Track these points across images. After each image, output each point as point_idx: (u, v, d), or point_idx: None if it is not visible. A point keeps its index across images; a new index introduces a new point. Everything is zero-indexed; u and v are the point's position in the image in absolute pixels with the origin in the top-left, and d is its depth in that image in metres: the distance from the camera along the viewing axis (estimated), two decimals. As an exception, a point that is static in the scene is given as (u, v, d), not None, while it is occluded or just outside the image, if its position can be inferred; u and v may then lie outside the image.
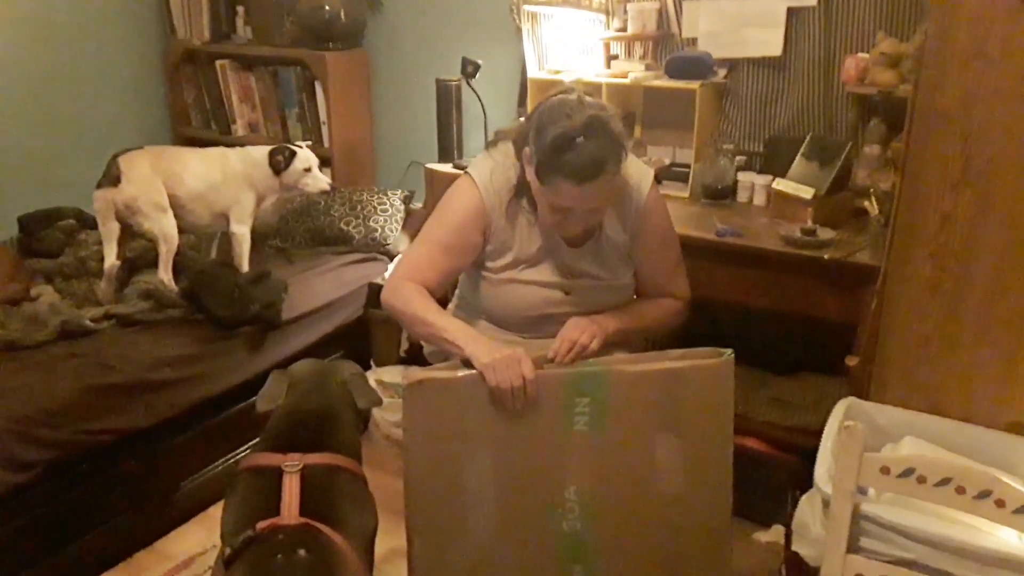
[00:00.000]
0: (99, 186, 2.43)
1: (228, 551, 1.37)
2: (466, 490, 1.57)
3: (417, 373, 1.54)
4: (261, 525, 1.39)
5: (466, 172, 1.75)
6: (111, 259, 2.44)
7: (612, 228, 1.75)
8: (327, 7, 3.10)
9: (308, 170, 2.62)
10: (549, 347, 1.62)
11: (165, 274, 2.47)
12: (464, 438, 1.55)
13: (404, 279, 1.69)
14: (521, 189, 1.70)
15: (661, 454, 1.58)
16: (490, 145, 1.81)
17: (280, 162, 2.59)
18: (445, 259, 1.71)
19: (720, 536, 1.66)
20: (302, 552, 1.35)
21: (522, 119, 2.78)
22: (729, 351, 1.58)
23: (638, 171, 1.76)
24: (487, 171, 1.72)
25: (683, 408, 1.57)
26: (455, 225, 1.71)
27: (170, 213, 2.49)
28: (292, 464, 1.51)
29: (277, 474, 1.49)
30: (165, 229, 2.47)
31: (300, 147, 2.67)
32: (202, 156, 2.63)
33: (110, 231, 2.45)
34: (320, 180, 2.65)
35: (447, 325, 1.62)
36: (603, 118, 1.54)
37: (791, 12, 2.41)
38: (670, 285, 1.81)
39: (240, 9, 3.44)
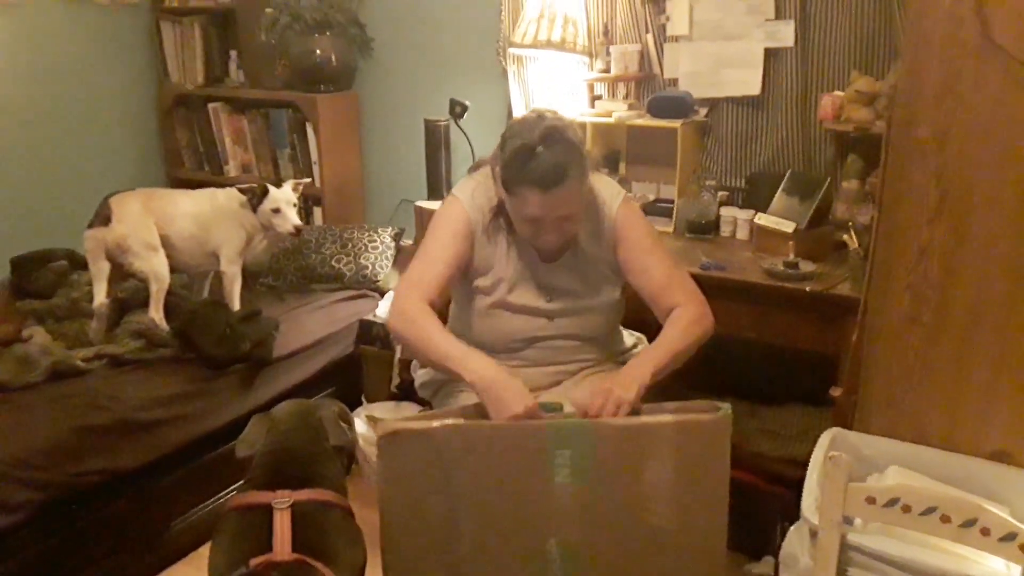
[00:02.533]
0: (90, 226, 2.46)
1: None
2: (444, 542, 1.53)
3: (391, 424, 1.50)
4: (255, 562, 1.39)
5: (451, 194, 1.84)
6: (100, 297, 2.45)
7: (588, 243, 1.80)
8: (318, 51, 3.16)
9: (277, 211, 2.57)
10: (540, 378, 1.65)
11: (156, 313, 2.48)
12: (441, 490, 1.50)
13: (408, 299, 1.70)
14: (500, 208, 1.76)
15: (652, 506, 1.53)
16: (471, 170, 1.89)
17: (251, 200, 2.59)
18: (442, 269, 1.74)
19: None
20: None
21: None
22: (727, 406, 1.52)
23: (608, 187, 1.83)
24: (469, 190, 1.80)
25: (677, 462, 1.51)
26: (446, 236, 1.76)
27: (161, 252, 2.51)
28: (282, 501, 1.51)
29: (267, 511, 1.50)
30: (156, 268, 2.49)
31: (274, 187, 2.62)
32: (192, 196, 2.65)
33: (100, 270, 2.46)
34: (288, 221, 2.58)
35: (451, 348, 1.61)
36: (559, 127, 1.64)
37: (769, 53, 2.48)
38: (671, 294, 1.74)
39: (233, 53, 3.50)
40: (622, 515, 1.54)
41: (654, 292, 1.75)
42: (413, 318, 1.66)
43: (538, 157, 1.60)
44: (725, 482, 1.54)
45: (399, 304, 1.71)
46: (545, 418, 1.52)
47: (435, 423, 1.49)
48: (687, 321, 1.68)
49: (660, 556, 1.56)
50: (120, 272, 2.52)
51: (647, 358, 1.62)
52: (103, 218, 2.45)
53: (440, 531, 1.53)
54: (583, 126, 2.62)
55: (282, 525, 1.47)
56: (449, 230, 1.76)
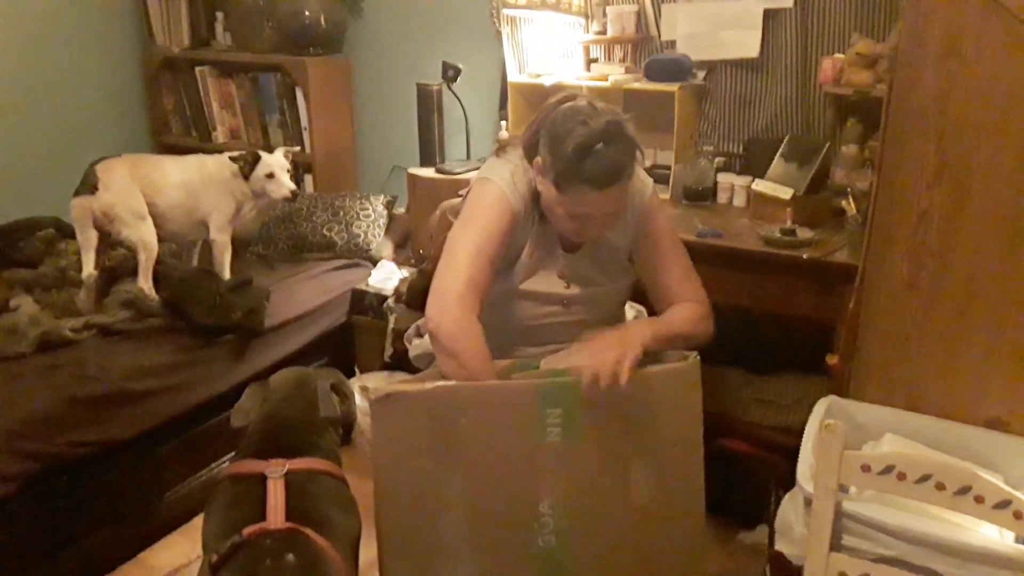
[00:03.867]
0: (76, 194, 2.42)
1: (215, 557, 1.36)
2: (438, 506, 1.53)
3: (384, 387, 1.49)
4: (248, 530, 1.39)
5: (485, 178, 1.67)
6: (89, 268, 2.42)
7: (612, 232, 1.72)
8: (307, 13, 3.10)
9: (271, 176, 2.56)
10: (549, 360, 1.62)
11: (145, 283, 2.45)
12: (434, 453, 1.50)
13: (464, 307, 1.53)
14: (535, 197, 1.66)
15: (634, 462, 1.56)
16: (498, 151, 1.75)
17: (243, 168, 2.56)
18: (490, 270, 1.60)
19: (694, 541, 1.65)
20: (290, 557, 1.35)
21: (505, 125, 2.80)
22: (695, 354, 1.57)
23: (640, 176, 1.73)
24: (508, 174, 1.65)
25: (653, 413, 1.55)
26: (495, 232, 1.60)
27: (149, 221, 2.47)
28: (276, 469, 1.50)
29: (260, 480, 1.49)
30: (144, 237, 2.45)
31: (266, 153, 2.61)
32: (180, 163, 2.61)
33: (88, 239, 2.43)
34: (283, 186, 2.57)
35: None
36: (620, 122, 1.53)
37: (768, 14, 2.43)
38: (686, 289, 1.70)
39: (219, 15, 3.43)
40: (608, 473, 1.56)
41: (671, 284, 1.71)
42: (461, 349, 1.51)
43: (597, 154, 1.50)
44: (698, 425, 1.58)
45: (454, 313, 1.52)
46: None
47: (428, 384, 1.49)
48: (696, 317, 1.66)
49: (644, 514, 1.58)
50: (107, 241, 2.48)
51: (650, 322, 1.59)
52: (90, 186, 2.41)
53: (434, 494, 1.53)
54: (579, 89, 2.56)
55: (276, 494, 1.47)
56: (497, 225, 1.61)
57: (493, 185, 1.64)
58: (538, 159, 1.59)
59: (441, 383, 1.49)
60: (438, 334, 1.53)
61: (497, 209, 1.62)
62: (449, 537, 1.55)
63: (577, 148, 1.50)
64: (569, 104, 1.58)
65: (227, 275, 2.61)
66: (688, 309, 1.67)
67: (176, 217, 2.56)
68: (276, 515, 1.43)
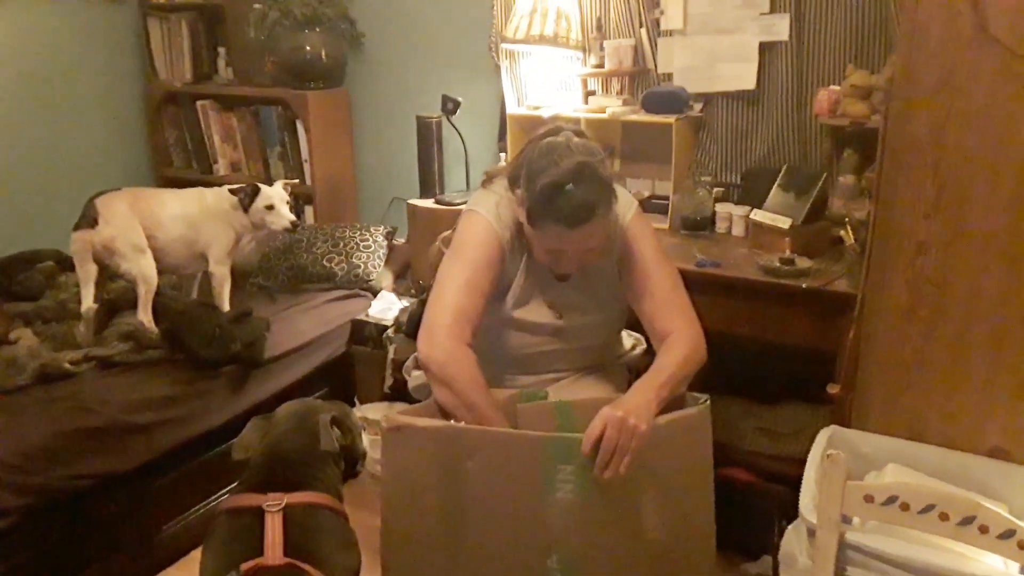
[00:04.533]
0: (77, 227, 2.43)
1: None
2: (444, 544, 1.50)
3: (398, 418, 1.48)
4: (246, 566, 1.37)
5: (471, 210, 1.71)
6: (88, 301, 2.42)
7: (598, 257, 1.72)
8: (308, 47, 3.13)
9: (271, 207, 2.57)
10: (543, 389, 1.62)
11: (144, 316, 2.45)
12: (441, 490, 1.48)
13: (453, 337, 1.55)
14: (520, 227, 1.67)
15: (646, 509, 1.53)
16: (485, 183, 1.78)
17: (243, 200, 2.58)
18: (480, 301, 1.62)
19: None
20: None
21: (504, 157, 2.82)
22: (705, 398, 1.55)
23: (622, 199, 1.73)
24: (493, 205, 1.68)
25: (665, 461, 1.51)
26: (481, 261, 1.63)
27: (148, 254, 2.48)
28: (273, 503, 1.49)
29: (259, 514, 1.48)
30: (144, 270, 2.46)
31: (265, 185, 2.63)
32: (179, 196, 2.63)
33: (88, 273, 2.43)
34: (283, 218, 2.58)
35: (481, 415, 1.52)
36: (592, 164, 1.54)
37: (764, 47, 2.46)
38: (669, 316, 1.67)
39: (221, 50, 3.47)
40: (619, 526, 1.52)
41: (652, 312, 1.69)
42: (452, 376, 1.53)
43: (567, 195, 1.52)
44: (709, 470, 1.56)
45: (443, 343, 1.55)
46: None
47: (438, 422, 1.48)
48: (688, 350, 1.61)
49: (655, 560, 1.55)
50: (107, 274, 2.49)
51: (652, 385, 1.53)
52: (90, 220, 2.42)
53: (442, 532, 1.51)
54: (577, 122, 2.59)
55: (273, 528, 1.45)
56: (484, 255, 1.64)
57: (479, 216, 1.67)
58: (518, 191, 1.61)
59: (451, 423, 1.47)
60: (429, 366, 1.56)
61: (483, 239, 1.65)
62: (455, 572, 1.52)
63: (546, 187, 1.53)
64: (548, 140, 1.60)
65: (226, 307, 2.60)
66: (681, 348, 1.62)
67: (175, 250, 2.57)
68: (274, 550, 1.42)
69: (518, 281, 1.71)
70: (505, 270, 1.69)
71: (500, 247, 1.65)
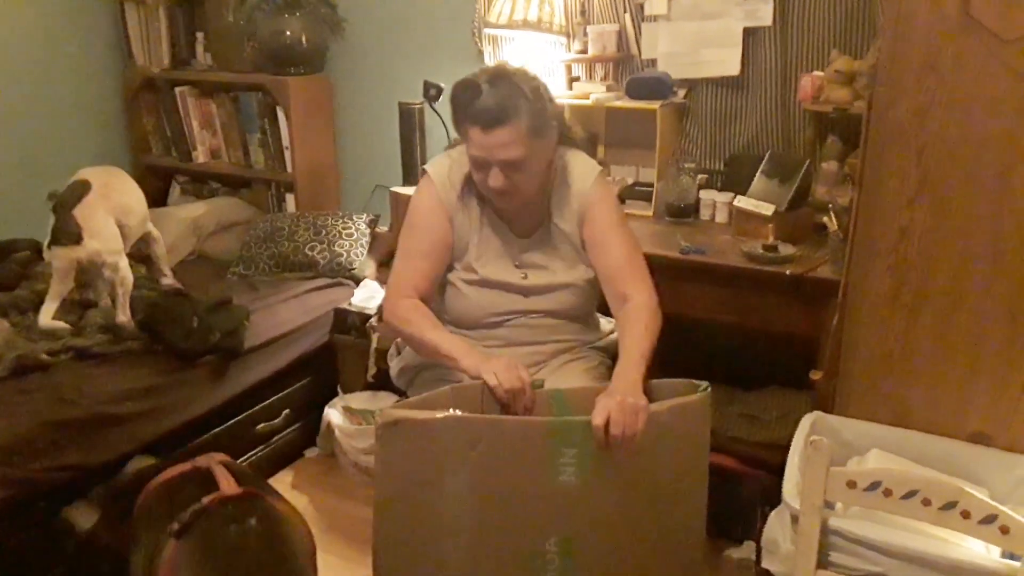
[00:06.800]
0: (59, 243, 2.31)
1: (176, 525, 1.34)
2: (440, 538, 1.49)
3: (394, 412, 1.45)
4: (207, 499, 1.38)
5: (423, 169, 1.84)
6: (48, 317, 2.32)
7: (560, 218, 1.81)
8: (288, 32, 3.09)
9: None
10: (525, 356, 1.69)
11: (124, 315, 2.39)
12: (440, 485, 1.46)
13: (398, 297, 1.75)
14: (471, 180, 1.77)
15: (644, 494, 1.54)
16: (449, 148, 1.89)
17: None
18: (427, 264, 1.77)
19: (694, 565, 1.63)
20: (252, 521, 1.35)
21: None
22: (705, 384, 1.56)
23: (584, 163, 1.84)
24: (444, 168, 1.81)
25: (665, 447, 1.52)
26: (425, 228, 1.78)
27: (124, 255, 2.45)
28: (211, 456, 1.56)
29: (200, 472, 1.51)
30: (123, 272, 2.41)
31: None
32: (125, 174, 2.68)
33: (65, 288, 2.35)
34: None
35: (443, 341, 1.66)
36: (508, 70, 1.70)
37: (747, 32, 2.45)
38: (626, 278, 1.74)
39: (200, 35, 3.41)
40: (617, 509, 1.53)
41: (611, 273, 1.76)
42: (406, 318, 1.71)
43: (482, 94, 1.64)
44: (706, 454, 1.57)
45: (390, 306, 1.75)
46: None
47: (438, 414, 1.45)
48: (647, 318, 1.68)
49: (649, 546, 1.56)
50: (83, 281, 2.44)
51: (632, 364, 1.59)
52: (74, 236, 2.30)
53: (436, 525, 1.49)
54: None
55: (221, 471, 1.49)
56: (425, 221, 1.78)
57: (426, 179, 1.82)
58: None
59: (452, 413, 1.46)
60: (391, 321, 1.74)
61: (426, 205, 1.79)
62: (449, 570, 1.51)
63: (463, 85, 1.67)
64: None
65: (167, 271, 2.75)
66: (641, 317, 1.68)
67: (136, 230, 2.61)
68: (229, 484, 1.45)
69: (474, 240, 1.80)
70: (456, 229, 1.79)
71: (443, 209, 1.78)
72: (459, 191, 1.79)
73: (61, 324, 2.35)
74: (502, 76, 1.67)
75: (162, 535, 1.39)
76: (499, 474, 1.47)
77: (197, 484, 1.49)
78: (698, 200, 2.52)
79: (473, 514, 1.48)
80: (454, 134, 1.85)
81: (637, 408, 1.47)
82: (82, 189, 2.42)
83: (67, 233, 2.32)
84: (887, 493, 1.34)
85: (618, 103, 2.56)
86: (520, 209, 1.78)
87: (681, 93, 2.60)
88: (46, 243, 2.35)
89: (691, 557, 1.62)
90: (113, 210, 2.46)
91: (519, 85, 1.66)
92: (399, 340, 2.03)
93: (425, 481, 1.47)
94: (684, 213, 2.49)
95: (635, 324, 1.67)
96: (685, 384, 1.58)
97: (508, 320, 1.80)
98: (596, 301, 1.89)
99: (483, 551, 1.50)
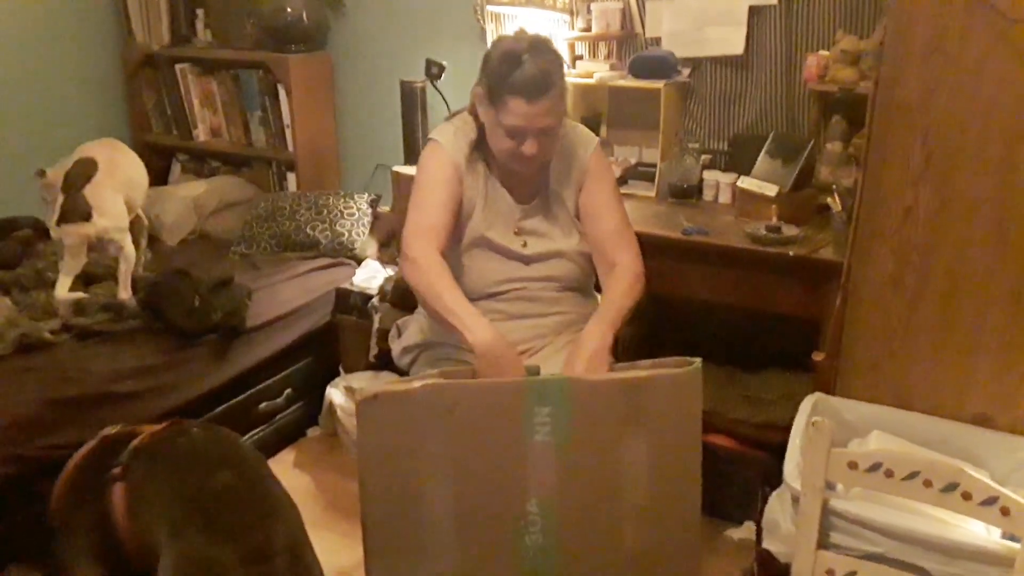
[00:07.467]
0: (68, 221, 2.32)
1: (118, 468, 1.35)
2: (424, 507, 1.52)
3: (370, 388, 1.49)
4: (136, 440, 1.41)
5: (429, 138, 1.83)
6: (64, 290, 2.34)
7: (559, 184, 1.83)
8: (289, 9, 3.06)
9: None
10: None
11: (125, 293, 2.41)
12: (421, 454, 1.50)
13: (418, 246, 1.69)
14: (479, 144, 1.78)
15: (628, 464, 1.54)
16: (448, 118, 1.89)
17: None
18: (443, 214, 1.73)
19: (689, 546, 1.63)
20: (195, 430, 1.37)
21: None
22: (697, 360, 1.55)
23: (583, 133, 1.87)
24: (450, 133, 1.80)
25: (649, 418, 1.53)
26: (440, 180, 1.75)
27: (128, 231, 2.46)
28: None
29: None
30: (126, 250, 2.43)
31: None
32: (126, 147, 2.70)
33: (78, 264, 2.36)
34: None
35: (455, 307, 1.61)
36: (545, 39, 1.71)
37: (752, 11, 2.42)
38: (617, 246, 1.79)
39: (200, 12, 3.38)
40: (598, 471, 1.54)
41: (602, 240, 1.80)
42: (425, 267, 1.66)
43: (524, 65, 1.62)
44: (698, 432, 1.56)
45: (410, 251, 1.70)
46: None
47: (416, 383, 1.48)
48: (631, 279, 1.74)
49: (639, 516, 1.57)
50: (90, 257, 2.44)
51: (604, 321, 1.65)
52: (83, 213, 2.32)
53: (419, 494, 1.52)
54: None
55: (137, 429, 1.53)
56: (439, 176, 1.76)
57: (434, 143, 1.80)
58: (478, 89, 1.72)
59: (429, 381, 1.48)
60: (407, 268, 1.70)
61: (438, 163, 1.77)
62: (435, 537, 1.54)
63: (504, 57, 1.65)
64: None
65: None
66: (626, 277, 1.73)
67: (139, 201, 2.64)
68: (151, 427, 1.49)
69: (480, 205, 1.80)
70: (466, 191, 1.79)
71: (455, 168, 1.76)
72: (467, 155, 1.79)
73: (80, 294, 2.36)
74: (542, 45, 1.67)
75: (101, 496, 1.38)
76: (476, 436, 1.50)
77: (113, 452, 1.49)
78: (701, 180, 2.50)
79: (455, 479, 1.51)
80: (455, 108, 1.85)
81: (594, 353, 1.56)
82: (90, 168, 2.43)
83: (75, 211, 2.34)
84: (888, 474, 1.35)
85: (622, 82, 2.53)
86: (531, 175, 1.80)
87: (685, 72, 2.58)
88: (54, 220, 2.36)
89: (687, 533, 1.62)
90: (120, 186, 2.47)
91: (557, 52, 1.69)
92: (400, 321, 2.03)
93: (407, 452, 1.50)
94: (687, 194, 2.48)
95: (619, 282, 1.73)
96: (678, 361, 1.58)
97: (509, 291, 1.80)
98: (593, 275, 1.90)
99: (466, 515, 1.53)
